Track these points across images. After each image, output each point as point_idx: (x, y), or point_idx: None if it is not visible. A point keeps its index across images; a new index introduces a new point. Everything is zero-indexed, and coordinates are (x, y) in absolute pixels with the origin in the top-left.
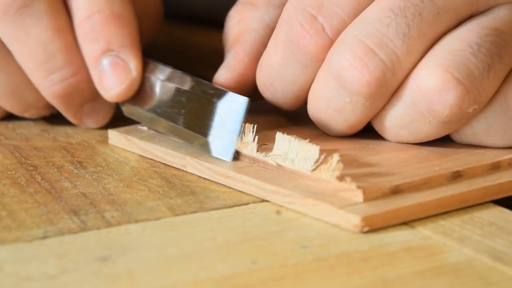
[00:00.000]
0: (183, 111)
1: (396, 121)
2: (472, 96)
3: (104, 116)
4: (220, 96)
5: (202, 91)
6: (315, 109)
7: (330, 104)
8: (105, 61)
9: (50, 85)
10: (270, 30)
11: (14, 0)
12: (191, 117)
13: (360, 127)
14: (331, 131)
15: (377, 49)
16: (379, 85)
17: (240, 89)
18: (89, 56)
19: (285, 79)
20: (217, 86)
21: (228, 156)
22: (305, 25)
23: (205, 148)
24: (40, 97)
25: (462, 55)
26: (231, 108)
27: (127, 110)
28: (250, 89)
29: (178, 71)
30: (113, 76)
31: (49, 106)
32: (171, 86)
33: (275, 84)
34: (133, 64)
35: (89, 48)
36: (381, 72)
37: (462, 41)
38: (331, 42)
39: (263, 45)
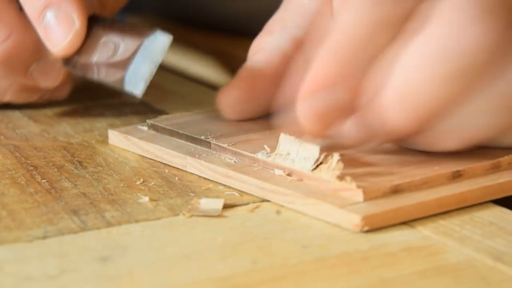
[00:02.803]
0: (114, 52)
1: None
2: None
3: (58, 73)
4: (147, 34)
5: (134, 33)
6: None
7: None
8: (48, 15)
9: None
10: (279, 52)
11: None
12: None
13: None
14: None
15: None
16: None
17: (238, 106)
18: (31, 14)
19: None
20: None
21: (138, 90)
22: None
23: (121, 84)
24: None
25: None
26: (155, 44)
27: (67, 63)
28: (248, 107)
29: (121, 20)
30: (58, 29)
31: (22, 87)
32: (109, 34)
33: None
34: (75, 14)
35: (31, 5)
36: None
37: None
38: None
39: (269, 65)
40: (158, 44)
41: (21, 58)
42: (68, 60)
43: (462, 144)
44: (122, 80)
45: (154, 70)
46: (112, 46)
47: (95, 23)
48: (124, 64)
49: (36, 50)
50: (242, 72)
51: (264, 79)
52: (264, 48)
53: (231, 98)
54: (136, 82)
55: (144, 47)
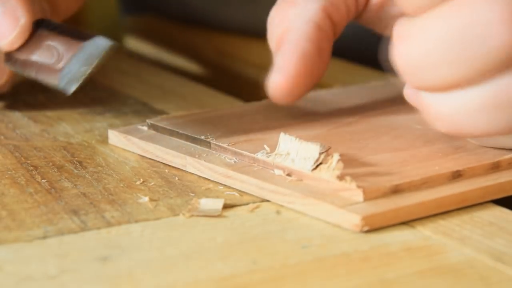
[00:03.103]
0: (54, 54)
1: (484, 101)
2: None
3: (2, 72)
4: (88, 38)
5: (76, 37)
6: (428, 50)
7: (456, 50)
8: None
9: None
10: (312, 25)
11: None
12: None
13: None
14: (425, 81)
15: None
16: None
17: (294, 89)
18: None
19: None
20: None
21: (69, 89)
22: None
23: (56, 83)
24: None
25: None
26: (94, 48)
27: (8, 59)
28: (303, 88)
29: (68, 25)
30: (3, 24)
31: None
32: (53, 38)
33: None
34: (21, 11)
35: None
36: None
37: None
38: None
39: (308, 41)
40: (97, 48)
41: None
42: (9, 56)
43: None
44: (56, 80)
45: (89, 72)
46: (54, 51)
47: (43, 26)
48: (60, 67)
49: None
50: (285, 54)
51: (310, 58)
52: (293, 22)
53: (286, 84)
54: (69, 82)
55: (82, 50)
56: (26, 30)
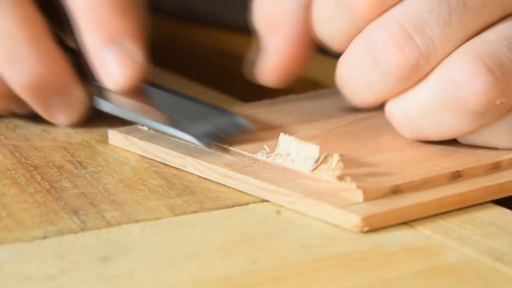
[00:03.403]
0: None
1: (420, 107)
2: (501, 88)
3: (76, 111)
4: (223, 112)
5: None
6: (345, 77)
7: (362, 77)
8: (110, 50)
9: (14, 74)
10: (304, 6)
11: None
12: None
13: (384, 101)
14: (355, 101)
15: (415, 34)
16: (411, 70)
17: (287, 75)
18: (92, 44)
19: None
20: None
21: (205, 145)
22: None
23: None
24: (5, 87)
25: (496, 46)
26: (229, 120)
27: (105, 103)
28: (297, 71)
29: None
30: (119, 64)
31: (18, 100)
32: (172, 94)
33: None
34: (139, 54)
35: (93, 36)
36: (415, 58)
37: (498, 34)
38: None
39: (303, 24)
40: (234, 124)
41: (48, 87)
42: (102, 93)
43: None
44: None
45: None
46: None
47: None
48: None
49: (64, 83)
50: (281, 38)
51: (305, 42)
52: (285, 3)
53: (282, 68)
54: (205, 136)
55: (223, 119)
56: (141, 74)
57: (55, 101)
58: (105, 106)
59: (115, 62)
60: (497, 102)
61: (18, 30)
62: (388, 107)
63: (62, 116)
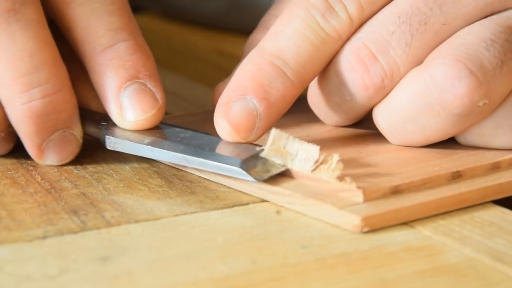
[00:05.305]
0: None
1: (403, 113)
2: (484, 89)
3: (70, 153)
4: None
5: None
6: (315, 97)
7: (331, 97)
8: (132, 88)
9: (29, 100)
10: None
11: (1, 3)
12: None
13: (358, 119)
14: (328, 121)
15: (379, 55)
16: (376, 90)
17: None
18: (112, 82)
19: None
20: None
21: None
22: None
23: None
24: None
25: (475, 49)
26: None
27: (114, 141)
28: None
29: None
30: (140, 103)
31: (8, 136)
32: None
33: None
34: (160, 94)
35: (114, 74)
36: (380, 78)
37: (476, 36)
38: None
39: None
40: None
41: (57, 118)
42: (114, 133)
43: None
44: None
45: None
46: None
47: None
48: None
49: (71, 116)
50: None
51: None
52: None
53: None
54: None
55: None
56: (161, 114)
57: (54, 137)
58: (121, 146)
59: (137, 100)
60: (480, 104)
61: (41, 52)
62: (374, 116)
63: (52, 155)
